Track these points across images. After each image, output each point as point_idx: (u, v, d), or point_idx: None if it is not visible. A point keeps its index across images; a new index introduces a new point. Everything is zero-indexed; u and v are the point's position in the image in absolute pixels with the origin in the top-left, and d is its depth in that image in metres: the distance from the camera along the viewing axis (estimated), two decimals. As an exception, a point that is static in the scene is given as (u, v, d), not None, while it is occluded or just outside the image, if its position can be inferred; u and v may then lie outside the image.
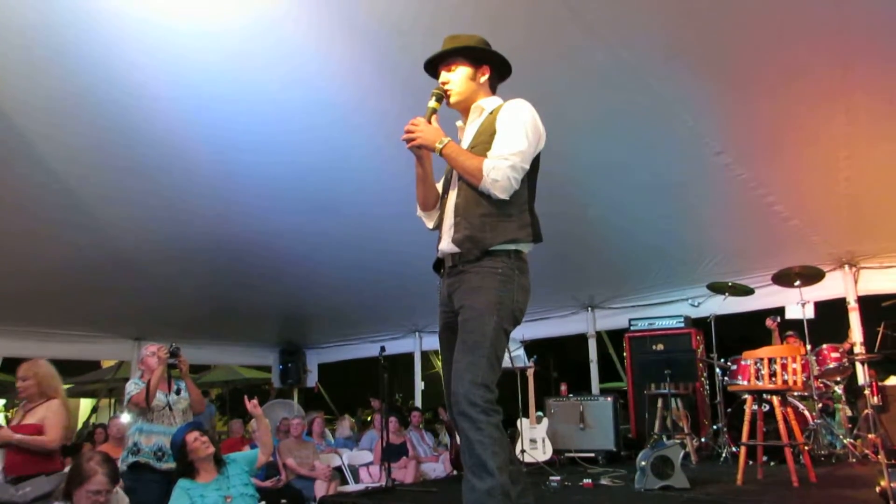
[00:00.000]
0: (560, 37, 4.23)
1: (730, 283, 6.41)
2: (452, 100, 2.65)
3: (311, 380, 11.40)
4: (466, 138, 2.63)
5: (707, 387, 6.98)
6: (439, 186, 2.75)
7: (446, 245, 2.51)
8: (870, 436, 5.35)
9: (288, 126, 4.95)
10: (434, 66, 2.71)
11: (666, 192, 5.88)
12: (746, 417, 4.51)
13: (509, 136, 2.45)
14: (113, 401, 15.38)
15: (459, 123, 2.74)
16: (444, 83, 2.63)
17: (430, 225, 2.77)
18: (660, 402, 6.37)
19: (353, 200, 5.93)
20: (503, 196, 2.41)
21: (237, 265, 7.16)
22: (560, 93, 4.69)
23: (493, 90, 2.72)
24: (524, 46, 4.33)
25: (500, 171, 2.39)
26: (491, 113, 2.60)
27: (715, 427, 6.45)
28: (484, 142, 2.50)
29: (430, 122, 2.53)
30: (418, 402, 10.14)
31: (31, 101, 4.65)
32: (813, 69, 4.35)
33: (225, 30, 4.12)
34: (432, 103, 2.59)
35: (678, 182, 5.70)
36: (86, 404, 20.24)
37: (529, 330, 8.47)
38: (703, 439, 6.46)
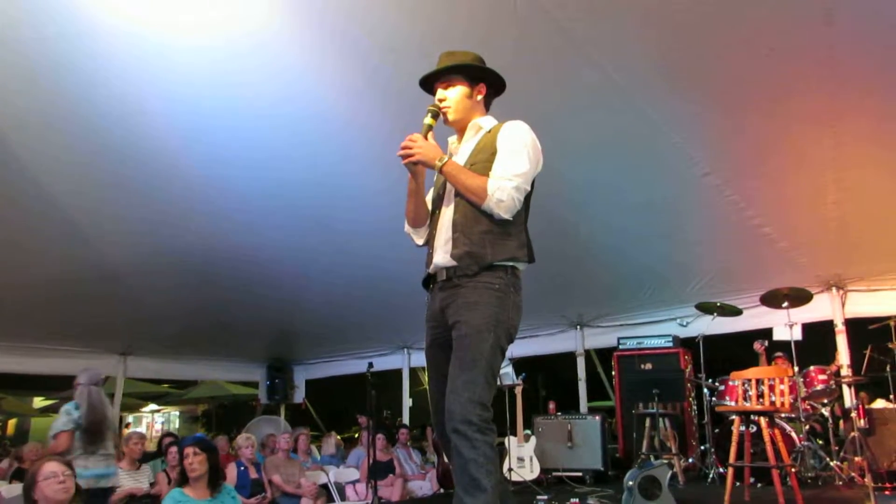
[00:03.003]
0: (551, 57, 4.27)
1: (718, 304, 6.45)
2: (450, 118, 2.65)
3: (299, 396, 11.33)
4: (461, 156, 2.62)
5: (695, 407, 6.99)
6: (429, 201, 2.75)
7: (441, 259, 2.49)
8: (856, 458, 5.35)
9: (278, 142, 4.95)
10: (430, 82, 2.70)
11: (655, 213, 5.92)
12: (734, 438, 4.51)
13: (512, 157, 2.46)
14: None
15: (453, 139, 2.74)
16: (440, 100, 2.63)
17: (419, 241, 2.74)
18: (648, 422, 6.37)
19: (342, 216, 5.93)
20: (507, 216, 2.42)
21: (225, 280, 7.12)
22: (550, 113, 4.70)
23: (488, 108, 2.73)
24: (514, 66, 4.33)
25: (506, 191, 2.41)
26: (489, 132, 2.60)
27: (702, 447, 6.44)
28: (483, 160, 2.50)
29: (426, 138, 2.53)
30: (406, 419, 10.08)
31: (21, 115, 4.62)
32: (800, 92, 4.40)
33: (216, 45, 4.12)
34: (428, 120, 2.59)
35: (667, 202, 5.74)
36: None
37: (518, 347, 8.38)
38: (690, 459, 6.45)
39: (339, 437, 11.37)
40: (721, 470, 5.68)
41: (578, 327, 8.57)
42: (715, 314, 6.49)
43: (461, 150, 2.65)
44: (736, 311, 6.49)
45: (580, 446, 6.80)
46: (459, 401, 2.25)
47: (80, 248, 6.19)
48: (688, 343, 7.19)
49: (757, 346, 6.47)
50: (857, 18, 3.81)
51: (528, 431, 6.93)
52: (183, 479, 3.97)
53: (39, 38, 4.05)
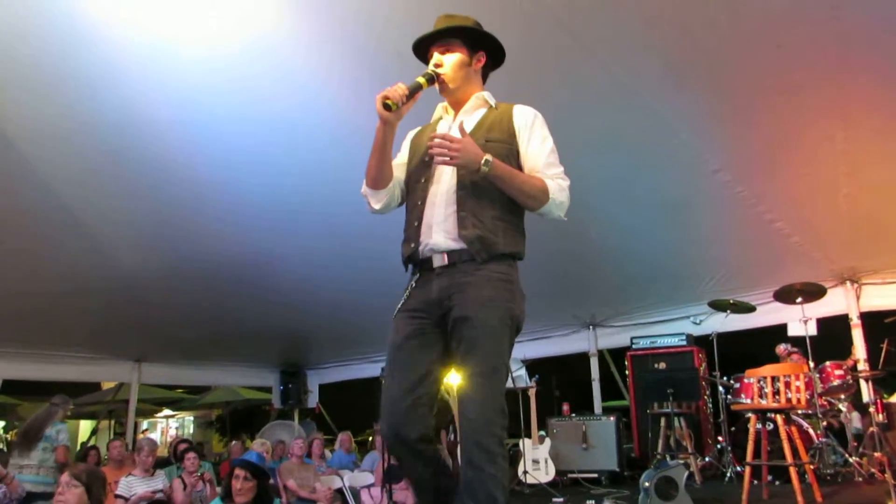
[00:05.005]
0: (556, 56, 4.26)
1: (731, 301, 6.40)
2: (450, 86, 2.42)
3: (312, 400, 11.34)
4: (457, 127, 2.34)
5: (710, 405, 6.94)
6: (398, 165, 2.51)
7: (441, 239, 2.25)
8: (876, 454, 5.29)
9: (289, 147, 4.95)
10: (424, 46, 2.48)
11: (666, 210, 5.89)
12: (750, 436, 4.47)
13: (553, 153, 2.35)
14: (113, 422, 15.32)
15: (440, 108, 2.54)
16: (437, 65, 2.39)
17: (377, 206, 2.45)
18: (663, 422, 6.33)
19: (352, 221, 5.91)
20: (563, 218, 2.34)
21: (238, 286, 7.14)
22: (557, 111, 4.60)
23: (485, 80, 2.54)
24: (521, 66, 4.33)
25: (565, 192, 2.32)
26: (496, 109, 2.44)
27: (719, 446, 6.39)
28: (499, 140, 2.32)
29: (411, 98, 2.29)
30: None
31: (35, 125, 4.67)
32: (810, 86, 4.37)
33: (227, 53, 4.14)
34: (421, 80, 2.33)
35: (678, 200, 5.71)
36: (85, 426, 20.13)
37: (531, 349, 8.43)
38: (707, 459, 6.40)
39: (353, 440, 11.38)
40: (738, 468, 5.64)
41: (591, 327, 8.53)
42: (728, 311, 6.44)
43: (465, 123, 2.38)
44: (749, 308, 6.44)
45: (595, 447, 6.76)
46: (485, 410, 2.10)
47: (93, 256, 6.24)
48: (701, 341, 7.15)
49: (780, 350, 6.41)
50: (864, 12, 3.77)
51: (543, 433, 6.91)
52: (226, 493, 3.91)
53: (50, 51, 4.08)
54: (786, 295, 6.03)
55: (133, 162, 5.09)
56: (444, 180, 2.32)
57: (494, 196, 2.27)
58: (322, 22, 3.90)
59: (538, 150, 2.35)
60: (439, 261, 2.26)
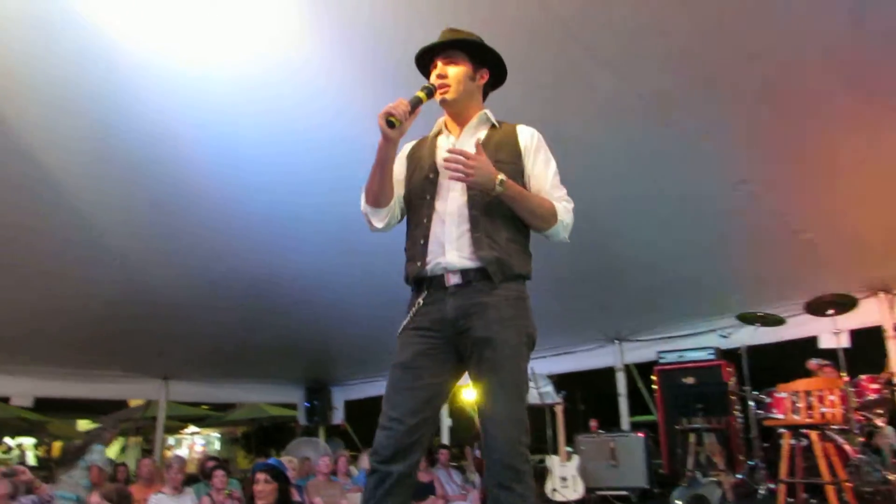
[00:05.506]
0: (576, 74, 4.25)
1: (760, 314, 6.29)
2: (449, 97, 2.35)
3: (338, 417, 11.33)
4: (466, 146, 2.30)
5: (741, 420, 6.81)
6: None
7: (455, 258, 2.22)
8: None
9: (312, 166, 4.98)
10: (426, 58, 2.43)
11: (690, 222, 5.83)
12: (784, 453, 4.38)
13: (556, 175, 2.37)
14: (141, 439, 15.43)
15: (441, 123, 2.48)
16: (440, 76, 2.35)
17: (379, 224, 2.42)
18: (692, 438, 6.22)
19: (375, 238, 5.91)
20: (567, 240, 2.36)
21: (263, 303, 7.19)
22: (579, 128, 4.69)
23: (484, 97, 2.51)
24: (542, 83, 4.36)
25: (570, 214, 2.34)
26: (500, 129, 2.42)
27: (751, 463, 6.26)
28: (506, 161, 2.30)
29: (412, 113, 2.25)
30: (445, 439, 10.02)
31: (61, 144, 4.75)
32: (834, 96, 4.31)
33: (252, 74, 4.19)
34: (421, 94, 2.28)
35: (702, 212, 5.66)
36: (114, 443, 20.31)
37: (556, 364, 8.38)
38: (739, 476, 6.27)
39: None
40: (772, 486, 5.51)
41: (617, 342, 8.44)
42: (757, 324, 6.33)
43: (463, 140, 2.38)
44: (779, 321, 6.32)
45: (624, 464, 6.67)
46: (511, 432, 2.10)
47: (121, 276, 6.33)
48: (730, 355, 7.02)
49: (812, 365, 6.28)
50: (888, 17, 3.71)
51: (570, 449, 6.83)
52: (250, 502, 3.98)
53: (81, 74, 4.16)
54: (816, 307, 5.91)
55: (162, 182, 5.16)
56: (453, 198, 2.29)
57: (507, 216, 2.26)
58: (344, 44, 3.93)
59: (543, 172, 2.36)
60: (453, 279, 2.23)
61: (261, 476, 3.98)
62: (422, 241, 2.28)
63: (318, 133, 4.70)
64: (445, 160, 2.19)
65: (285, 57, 4.08)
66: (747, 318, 6.38)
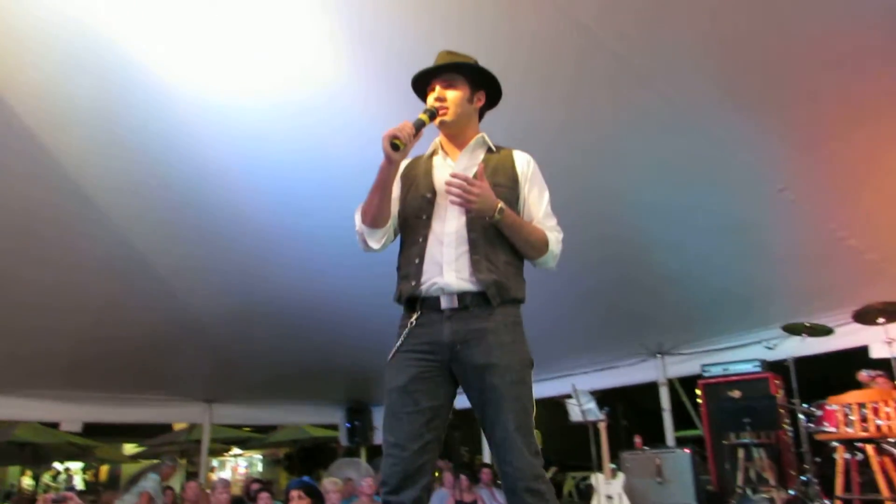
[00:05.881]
0: (609, 85, 4.25)
1: (807, 324, 6.13)
2: (448, 119, 2.38)
3: (379, 437, 11.31)
4: (457, 168, 2.35)
5: (791, 434, 6.64)
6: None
7: (453, 280, 2.21)
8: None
9: (350, 191, 5.01)
10: (424, 81, 2.47)
11: (730, 233, 5.74)
12: (839, 468, 4.27)
13: (548, 203, 2.41)
14: (185, 462, 15.62)
15: (438, 143, 2.49)
16: (439, 99, 2.38)
17: (376, 245, 2.40)
18: (741, 453, 6.08)
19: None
20: (554, 269, 2.40)
21: (303, 325, 7.26)
22: (614, 138, 4.69)
23: (480, 119, 2.53)
24: (575, 94, 4.37)
25: (560, 245, 2.38)
26: (498, 153, 2.44)
27: (803, 478, 6.09)
28: (505, 186, 2.32)
29: (416, 135, 2.27)
30: (486, 458, 9.95)
31: (111, 177, 4.94)
32: (875, 101, 4.23)
33: (289, 102, 4.29)
34: (424, 117, 2.31)
35: (742, 222, 5.56)
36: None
37: (597, 380, 8.28)
38: (791, 492, 6.11)
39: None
40: (826, 502, 5.36)
41: (659, 356, 8.30)
42: (804, 335, 6.18)
43: (461, 162, 2.40)
44: (826, 331, 6.16)
45: (671, 481, 6.54)
46: (525, 456, 2.10)
47: (166, 301, 6.48)
48: (777, 367, 6.86)
49: (863, 377, 6.10)
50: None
51: (615, 466, 6.74)
52: None
53: (126, 107, 4.31)
54: (866, 315, 5.75)
55: (205, 210, 5.30)
56: (451, 219, 2.29)
57: (504, 241, 2.28)
58: (378, 70, 4.00)
59: (537, 200, 2.39)
60: (448, 302, 2.22)
61: (294, 493, 4.06)
62: (416, 261, 2.28)
63: (354, 158, 4.72)
64: (448, 184, 2.20)
65: (321, 84, 4.17)
66: (793, 329, 6.24)
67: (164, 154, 4.68)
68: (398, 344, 2.27)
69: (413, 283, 2.26)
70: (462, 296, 2.21)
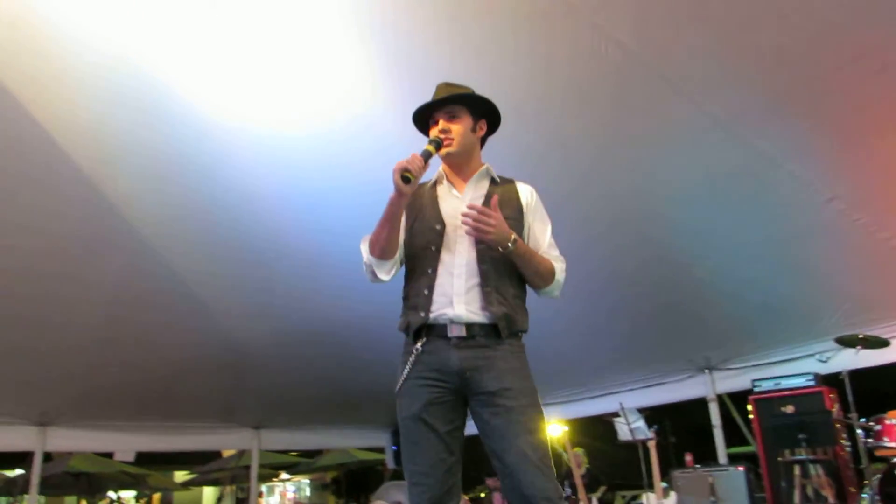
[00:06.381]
0: (648, 99, 4.24)
1: (861, 336, 5.95)
2: (453, 150, 2.41)
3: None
4: (464, 199, 2.41)
5: (849, 450, 6.43)
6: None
7: (463, 311, 2.24)
8: None
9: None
10: (426, 113, 2.52)
11: (777, 245, 5.63)
12: (902, 485, 4.11)
13: (551, 233, 2.47)
14: (235, 488, 15.79)
15: (441, 173, 2.53)
16: (444, 131, 2.41)
17: (385, 277, 2.41)
18: (797, 470, 5.91)
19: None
20: (558, 297, 2.44)
21: (348, 349, 7.32)
22: (655, 156, 4.66)
23: (482, 147, 2.58)
24: (614, 112, 4.37)
25: (564, 273, 2.43)
26: (503, 185, 2.47)
27: (864, 495, 5.88)
28: (512, 217, 2.35)
29: (424, 166, 2.30)
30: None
31: (155, 208, 5.09)
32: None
33: (328, 130, 4.39)
34: (430, 148, 2.35)
35: (789, 233, 5.45)
36: (209, 493, 20.86)
37: (644, 396, 8.14)
38: (852, 509, 5.92)
39: (466, 496, 11.24)
40: (889, 519, 5.18)
41: (707, 371, 8.14)
42: (858, 347, 6.00)
43: (468, 193, 2.44)
44: (882, 343, 5.96)
45: (725, 500, 6.37)
46: (547, 476, 2.12)
47: (211, 328, 6.61)
48: (831, 380, 6.67)
49: None
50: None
51: (665, 485, 6.60)
52: None
53: (169, 140, 4.46)
54: (922, 326, 5.58)
55: (247, 237, 5.42)
56: (461, 250, 2.33)
57: (513, 273, 2.33)
58: (415, 97, 4.03)
59: (542, 231, 2.45)
60: (457, 331, 2.24)
61: None
62: (426, 292, 2.30)
63: (390, 184, 4.82)
64: (464, 215, 2.23)
65: (359, 112, 4.26)
66: (847, 341, 6.05)
67: (206, 184, 4.82)
68: (406, 371, 2.28)
69: (422, 315, 2.28)
70: (470, 326, 2.24)
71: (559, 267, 2.41)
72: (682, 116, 4.33)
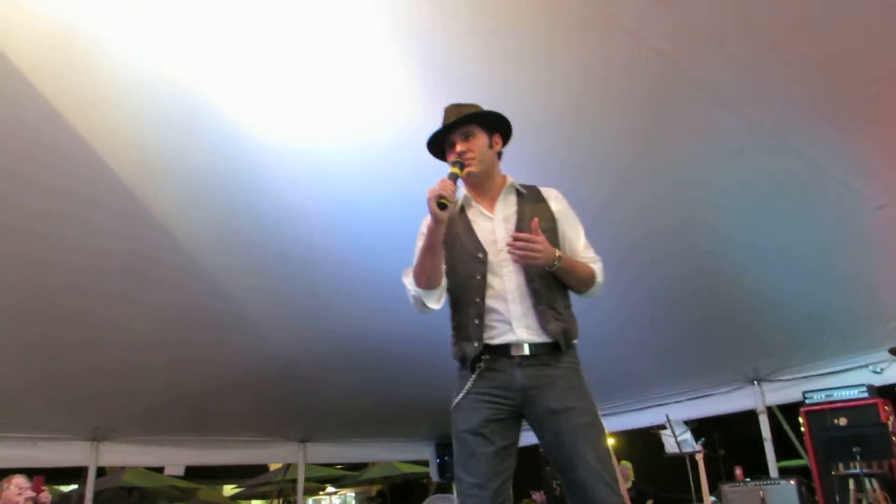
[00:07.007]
0: (688, 108, 4.20)
1: (915, 346, 5.78)
2: (475, 169, 2.40)
3: (462, 475, 11.24)
4: (505, 217, 2.42)
5: (907, 464, 6.22)
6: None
7: (524, 333, 2.27)
8: None
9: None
10: (441, 139, 2.51)
11: (827, 254, 5.48)
12: (961, 498, 3.97)
13: (584, 234, 2.48)
14: (282, 501, 15.94)
15: (470, 193, 2.52)
16: (462, 153, 2.41)
17: (436, 306, 2.40)
18: (851, 484, 5.73)
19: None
20: (601, 297, 2.46)
21: (390, 363, 7.36)
22: (695, 164, 4.61)
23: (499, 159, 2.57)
24: (651, 121, 4.34)
25: (603, 274, 2.45)
26: (530, 196, 2.48)
27: (923, 509, 5.70)
28: (548, 230, 2.35)
29: (455, 183, 2.29)
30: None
31: (199, 226, 5.21)
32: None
33: (367, 144, 4.46)
34: (456, 170, 2.34)
35: (841, 243, 5.32)
36: (258, 507, 21.05)
37: (691, 409, 8.00)
38: (910, 524, 5.72)
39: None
40: (950, 535, 4.99)
41: (756, 383, 7.95)
42: (913, 358, 5.83)
43: (499, 210, 2.44)
44: (937, 353, 5.79)
45: (776, 514, 6.23)
46: (615, 491, 2.17)
47: (257, 342, 6.71)
48: (886, 392, 6.47)
49: None
50: None
51: (714, 499, 6.47)
52: None
53: (212, 157, 4.58)
54: (982, 334, 5.39)
55: (289, 251, 5.52)
56: (509, 275, 2.33)
57: (559, 285, 2.36)
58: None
59: (575, 234, 2.46)
60: (519, 351, 2.27)
61: None
62: (476, 321, 2.31)
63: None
64: (511, 245, 2.25)
65: (399, 125, 4.30)
66: (901, 352, 5.89)
67: (249, 200, 4.93)
68: (467, 387, 2.31)
69: (476, 345, 2.30)
70: (533, 346, 2.27)
71: (597, 268, 2.43)
72: (723, 124, 4.27)
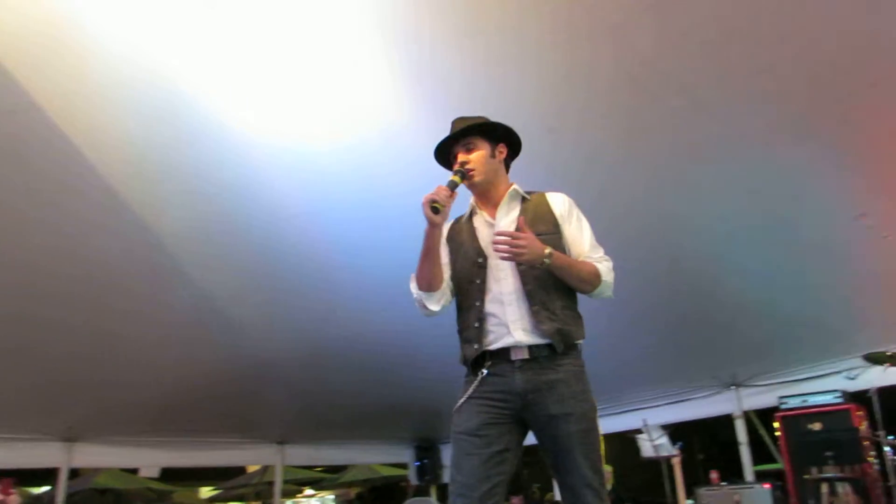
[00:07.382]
0: (671, 116, 4.25)
1: (889, 353, 5.86)
2: (477, 179, 2.48)
3: (448, 476, 11.26)
4: (506, 223, 2.47)
5: (878, 468, 6.31)
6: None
7: (521, 335, 2.31)
8: None
9: (414, 230, 5.15)
10: (445, 151, 2.60)
11: (804, 261, 5.58)
12: (932, 502, 4.04)
13: (592, 235, 2.49)
14: (259, 503, 15.82)
15: (476, 202, 2.59)
16: (463, 163, 2.48)
17: (436, 308, 2.47)
18: (825, 488, 5.81)
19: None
20: (612, 297, 2.45)
21: (371, 365, 7.33)
22: (678, 167, 4.66)
23: (507, 171, 2.64)
24: (636, 127, 4.38)
25: (612, 273, 2.44)
26: (532, 200, 2.53)
27: (894, 513, 5.78)
28: (546, 233, 2.40)
29: (452, 195, 2.36)
30: (557, 496, 9.75)
31: (185, 226, 5.14)
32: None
33: (352, 144, 4.43)
34: (456, 178, 2.41)
35: (817, 249, 5.40)
36: (234, 509, 20.84)
37: (669, 413, 8.07)
38: (882, 528, 5.80)
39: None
40: (921, 539, 5.08)
41: (734, 387, 8.04)
42: (886, 364, 5.90)
43: (501, 218, 2.50)
44: (911, 360, 5.88)
45: (751, 518, 6.30)
46: (602, 498, 2.23)
47: (238, 344, 6.66)
48: (859, 397, 6.57)
49: None
50: None
51: (691, 502, 6.53)
52: None
53: (198, 157, 4.53)
54: (953, 342, 5.49)
55: (271, 250, 5.47)
56: (505, 278, 2.39)
57: (558, 285, 2.37)
58: (439, 111, 4.09)
59: (580, 235, 2.47)
60: (520, 354, 2.31)
61: None
62: (476, 324, 2.37)
63: (413, 198, 4.84)
64: (494, 242, 2.30)
65: (383, 125, 4.30)
66: (875, 359, 5.96)
67: (232, 198, 4.88)
68: (470, 391, 2.35)
69: (476, 347, 2.36)
70: (531, 348, 2.31)
71: (604, 268, 2.42)
72: (705, 132, 4.33)
